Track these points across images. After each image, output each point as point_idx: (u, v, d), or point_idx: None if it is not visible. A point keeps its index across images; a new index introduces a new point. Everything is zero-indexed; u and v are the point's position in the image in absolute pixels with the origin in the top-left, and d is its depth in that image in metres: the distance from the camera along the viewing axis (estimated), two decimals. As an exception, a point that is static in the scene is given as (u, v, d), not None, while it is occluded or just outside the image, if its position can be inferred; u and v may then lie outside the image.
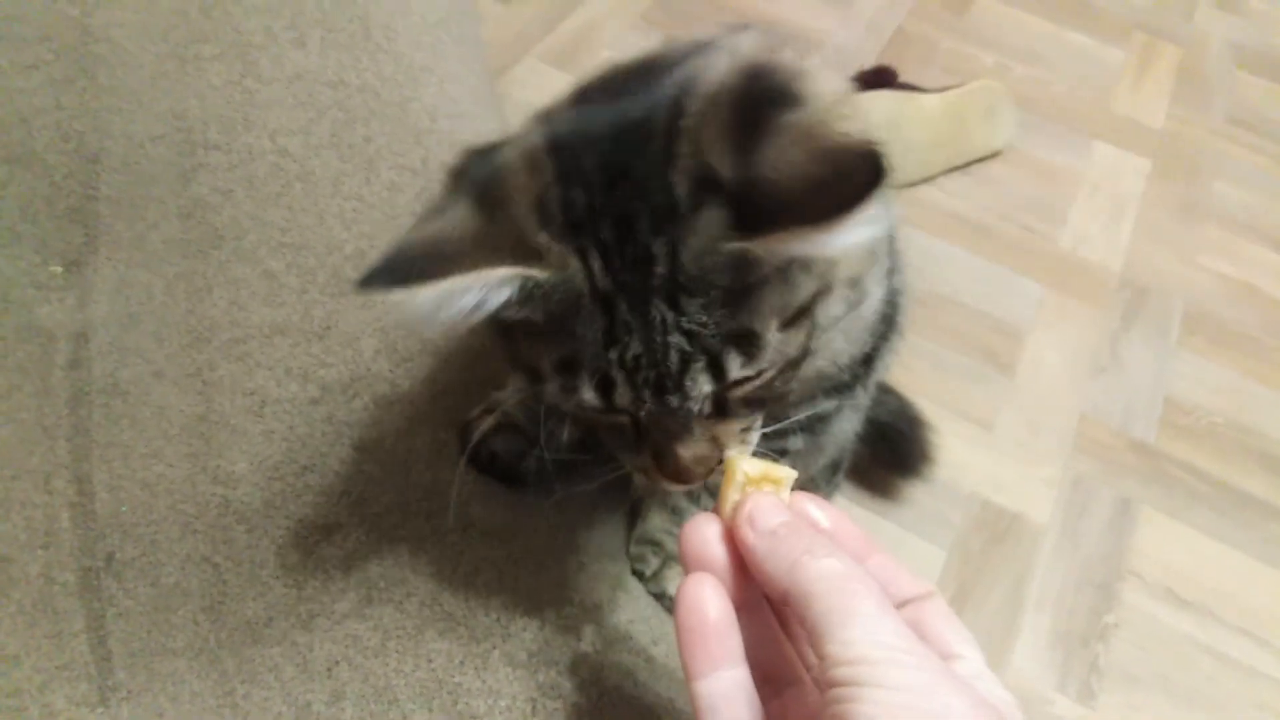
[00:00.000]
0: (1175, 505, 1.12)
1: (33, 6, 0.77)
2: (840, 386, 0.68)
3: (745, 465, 0.43)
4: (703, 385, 0.41)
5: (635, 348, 0.40)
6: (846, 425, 0.78)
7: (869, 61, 1.53)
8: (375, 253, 0.71)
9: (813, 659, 0.41)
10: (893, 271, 0.69)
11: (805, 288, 0.42)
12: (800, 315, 0.42)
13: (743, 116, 0.40)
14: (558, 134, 0.42)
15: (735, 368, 0.41)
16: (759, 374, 0.42)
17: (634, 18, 1.60)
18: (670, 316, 0.39)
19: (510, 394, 0.66)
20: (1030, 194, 1.42)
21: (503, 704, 0.56)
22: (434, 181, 0.76)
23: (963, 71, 1.55)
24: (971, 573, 1.06)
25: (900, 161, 1.38)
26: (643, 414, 0.42)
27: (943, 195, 1.41)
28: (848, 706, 0.32)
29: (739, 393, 0.43)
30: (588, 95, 0.45)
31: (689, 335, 0.39)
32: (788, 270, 0.41)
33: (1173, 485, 1.14)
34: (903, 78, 1.44)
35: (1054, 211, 1.40)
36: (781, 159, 0.38)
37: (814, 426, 0.70)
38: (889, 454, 1.03)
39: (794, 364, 0.44)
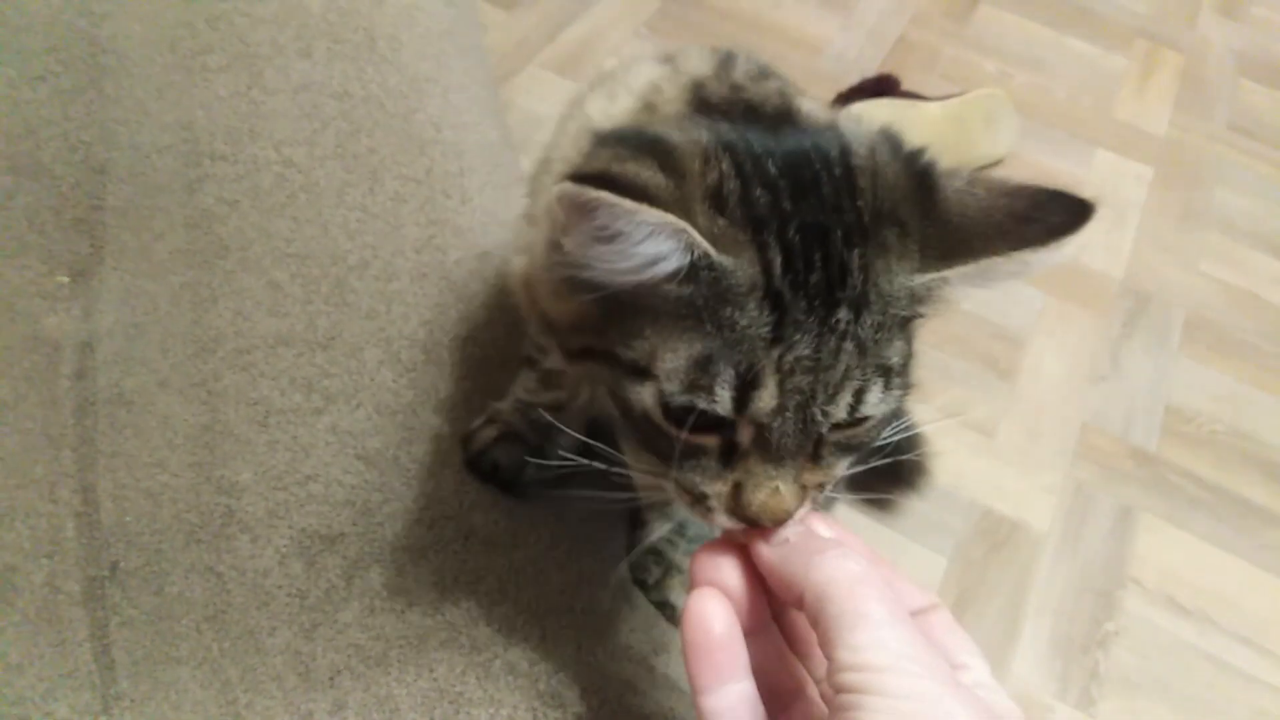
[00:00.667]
0: (1175, 512, 1.12)
1: (41, 18, 0.78)
2: None
3: None
4: (843, 408, 0.40)
5: (804, 348, 0.39)
6: None
7: (871, 69, 1.53)
8: (379, 263, 0.72)
9: (820, 672, 0.41)
10: None
11: (914, 344, 0.44)
12: (908, 367, 0.43)
13: (909, 167, 0.42)
14: (725, 138, 0.41)
15: (874, 399, 0.41)
16: (869, 419, 0.42)
17: (637, 25, 1.61)
18: (852, 325, 0.39)
19: (511, 404, 0.67)
20: (1032, 201, 1.42)
21: (504, 713, 0.57)
22: (437, 192, 0.76)
23: (964, 79, 1.55)
24: (972, 580, 1.06)
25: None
26: (776, 425, 0.40)
27: (944, 202, 1.41)
28: (853, 714, 0.33)
29: (836, 436, 0.43)
30: (719, 115, 0.45)
31: (860, 349, 0.40)
32: (911, 323, 0.43)
33: (1173, 492, 1.14)
34: (905, 86, 1.45)
35: (1055, 218, 1.41)
36: (967, 203, 0.41)
37: None
38: (885, 468, 1.03)
39: (888, 419, 0.45)
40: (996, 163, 1.45)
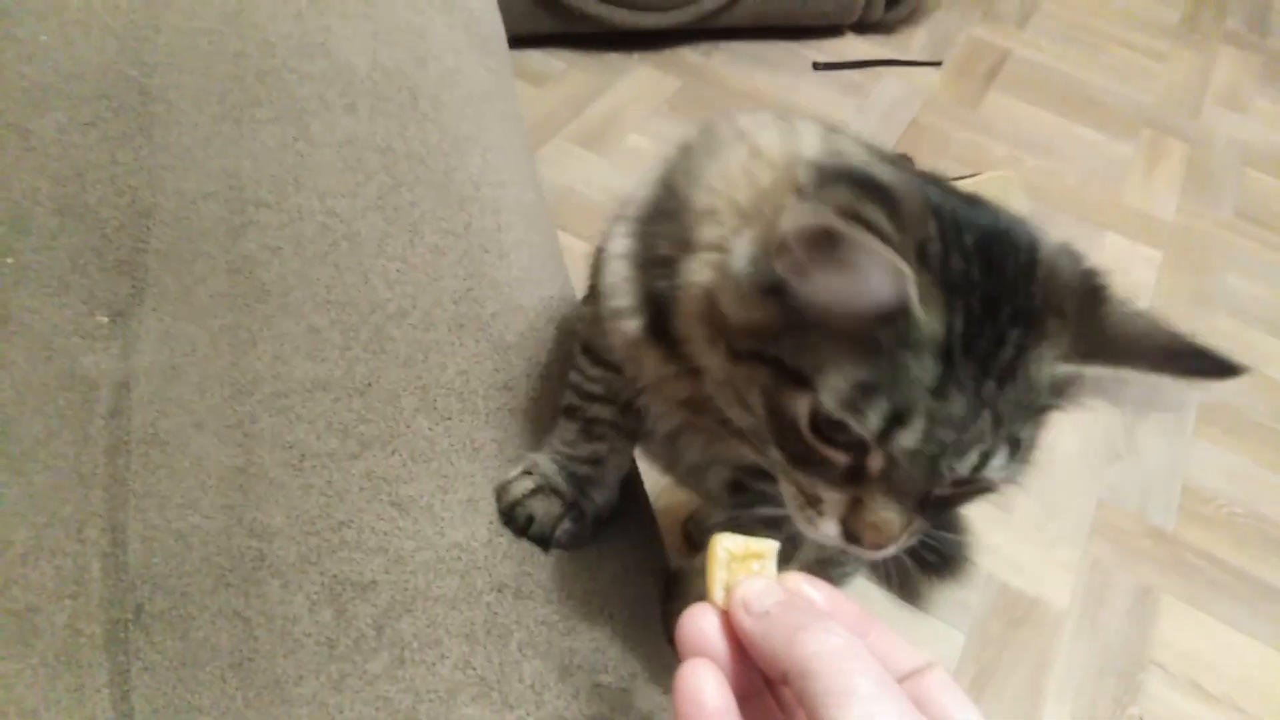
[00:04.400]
0: (1196, 594, 1.11)
1: (93, 66, 0.80)
2: None
3: (726, 543, 0.42)
4: (969, 466, 0.44)
5: (957, 408, 0.43)
6: None
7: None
8: (418, 313, 0.72)
9: None
10: None
11: (1037, 436, 0.47)
12: (1032, 448, 0.47)
13: (1086, 276, 0.46)
14: (936, 201, 0.45)
15: (996, 466, 0.44)
16: (981, 481, 0.46)
17: (659, 104, 1.65)
18: (995, 396, 0.43)
19: (548, 456, 0.66)
20: (1044, 281, 1.45)
21: (534, 774, 0.55)
22: (476, 247, 0.77)
23: (975, 162, 1.60)
24: (991, 657, 1.05)
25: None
26: (908, 464, 0.44)
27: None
28: None
29: (944, 491, 0.47)
30: (933, 184, 0.48)
31: (996, 420, 0.43)
32: (1047, 412, 0.46)
33: (1193, 574, 1.13)
34: (918, 167, 1.48)
35: (1067, 298, 1.43)
36: (1128, 322, 0.45)
37: None
38: (932, 557, 1.01)
39: (987, 489, 0.48)
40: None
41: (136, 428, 0.65)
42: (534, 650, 0.60)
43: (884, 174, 0.45)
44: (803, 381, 0.44)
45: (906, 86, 1.76)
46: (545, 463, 0.66)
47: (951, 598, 1.10)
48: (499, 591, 0.62)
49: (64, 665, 0.57)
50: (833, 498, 0.47)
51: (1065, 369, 0.44)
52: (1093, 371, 0.44)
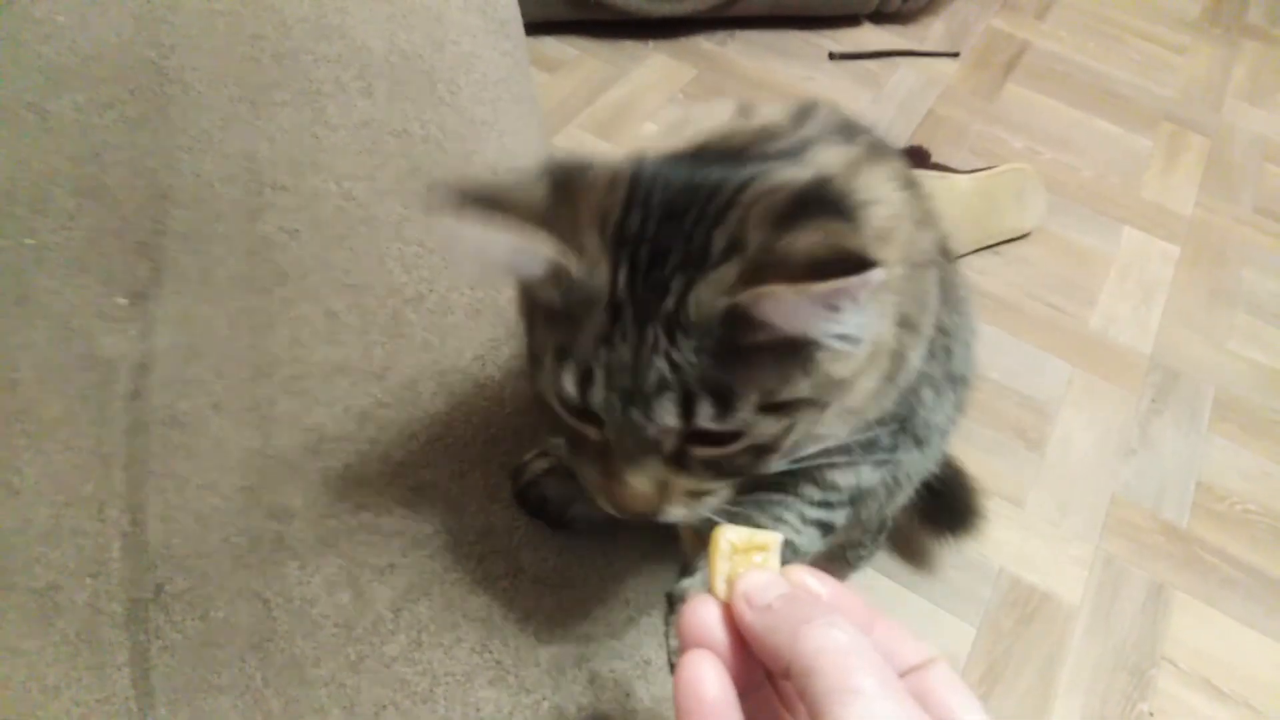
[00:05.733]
0: (1209, 591, 1.11)
1: (111, 48, 0.80)
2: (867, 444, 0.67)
3: (729, 534, 0.42)
4: (667, 415, 0.45)
5: (623, 354, 0.45)
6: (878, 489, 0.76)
7: (901, 142, 1.56)
8: (435, 297, 0.72)
9: None
10: (953, 311, 0.68)
11: (797, 388, 0.47)
12: (782, 409, 0.47)
13: (791, 208, 0.45)
14: (643, 171, 0.48)
15: (704, 414, 0.45)
16: (725, 440, 0.47)
17: (673, 91, 1.65)
18: (662, 343, 0.44)
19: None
20: (1060, 275, 1.44)
21: (550, 758, 0.55)
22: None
23: (992, 154, 1.59)
24: (1002, 651, 1.04)
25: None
26: (608, 420, 0.47)
27: (972, 273, 1.42)
28: None
29: (701, 452, 0.48)
30: (682, 154, 0.51)
31: (673, 365, 0.44)
32: (785, 360, 0.46)
33: (1207, 571, 1.12)
34: (934, 158, 1.47)
35: (1083, 292, 1.42)
36: (799, 242, 0.43)
37: (856, 502, 0.69)
38: (938, 510, 1.01)
39: (761, 449, 0.48)
40: (1024, 235, 1.47)
41: (155, 409, 0.65)
42: (551, 635, 0.60)
43: (599, 161, 0.49)
44: (538, 359, 0.48)
45: (923, 77, 1.75)
46: (563, 446, 0.65)
47: (962, 591, 1.10)
48: (516, 576, 0.62)
49: (84, 643, 0.58)
50: (593, 476, 0.50)
51: (723, 302, 0.43)
52: (745, 298, 0.43)
